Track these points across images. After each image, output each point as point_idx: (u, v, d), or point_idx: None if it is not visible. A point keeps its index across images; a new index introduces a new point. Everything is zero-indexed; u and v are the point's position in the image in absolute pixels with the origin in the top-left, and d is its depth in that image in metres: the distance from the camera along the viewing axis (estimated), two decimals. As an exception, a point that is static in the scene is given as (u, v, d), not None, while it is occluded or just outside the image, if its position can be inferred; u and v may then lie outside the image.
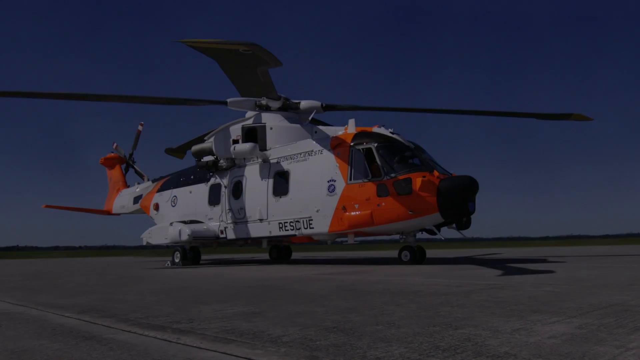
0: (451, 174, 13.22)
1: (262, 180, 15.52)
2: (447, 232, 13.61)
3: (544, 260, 13.96)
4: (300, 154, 14.87)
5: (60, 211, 27.94)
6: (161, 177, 20.91)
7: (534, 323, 3.74)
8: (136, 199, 22.10)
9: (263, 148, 15.74)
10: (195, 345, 3.30)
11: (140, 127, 24.69)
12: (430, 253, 22.74)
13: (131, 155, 24.69)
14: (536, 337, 3.23)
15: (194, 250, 17.02)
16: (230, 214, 16.31)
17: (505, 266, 11.64)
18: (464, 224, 13.01)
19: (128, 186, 24.12)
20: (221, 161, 16.78)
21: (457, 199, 12.35)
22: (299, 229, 14.51)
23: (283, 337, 3.44)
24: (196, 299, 6.11)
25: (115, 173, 25.04)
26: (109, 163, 25.28)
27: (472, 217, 12.96)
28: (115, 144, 24.97)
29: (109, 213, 24.49)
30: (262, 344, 3.24)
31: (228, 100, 15.64)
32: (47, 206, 26.87)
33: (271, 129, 15.87)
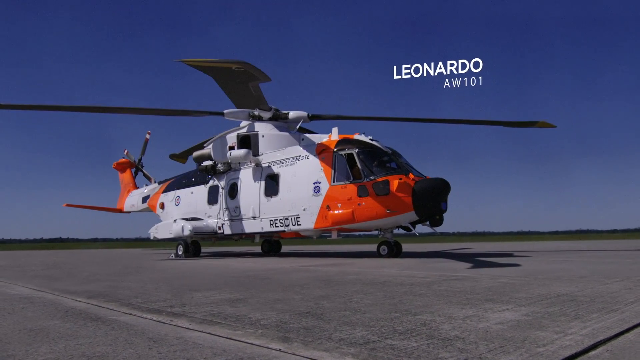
0: (425, 176, 13.26)
1: (255, 182, 15.54)
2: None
3: (511, 255, 13.93)
4: (289, 158, 14.91)
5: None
6: (166, 180, 20.86)
7: (486, 311, 3.76)
8: (144, 199, 22.13)
9: (256, 154, 15.77)
10: (185, 326, 3.35)
11: (148, 135, 24.65)
12: (414, 247, 22.83)
13: (140, 160, 24.64)
14: (485, 323, 3.27)
15: (195, 244, 16.96)
16: (227, 212, 16.31)
17: (473, 260, 11.60)
18: (436, 222, 13.04)
19: (137, 187, 24.08)
20: (219, 165, 16.79)
21: (431, 199, 12.37)
22: (287, 225, 14.52)
23: (261, 320, 3.48)
24: (190, 287, 6.10)
25: (126, 176, 25.01)
26: (121, 167, 25.25)
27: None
28: (126, 151, 25.01)
29: (120, 211, 24.46)
30: (242, 326, 3.29)
31: (225, 111, 15.69)
32: (68, 205, 26.65)
33: (263, 136, 15.91)
